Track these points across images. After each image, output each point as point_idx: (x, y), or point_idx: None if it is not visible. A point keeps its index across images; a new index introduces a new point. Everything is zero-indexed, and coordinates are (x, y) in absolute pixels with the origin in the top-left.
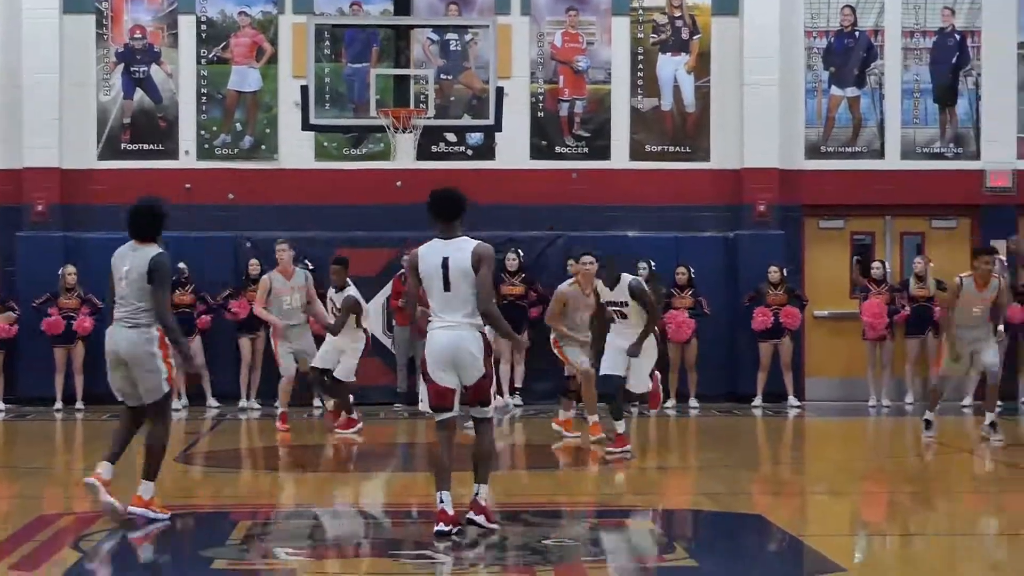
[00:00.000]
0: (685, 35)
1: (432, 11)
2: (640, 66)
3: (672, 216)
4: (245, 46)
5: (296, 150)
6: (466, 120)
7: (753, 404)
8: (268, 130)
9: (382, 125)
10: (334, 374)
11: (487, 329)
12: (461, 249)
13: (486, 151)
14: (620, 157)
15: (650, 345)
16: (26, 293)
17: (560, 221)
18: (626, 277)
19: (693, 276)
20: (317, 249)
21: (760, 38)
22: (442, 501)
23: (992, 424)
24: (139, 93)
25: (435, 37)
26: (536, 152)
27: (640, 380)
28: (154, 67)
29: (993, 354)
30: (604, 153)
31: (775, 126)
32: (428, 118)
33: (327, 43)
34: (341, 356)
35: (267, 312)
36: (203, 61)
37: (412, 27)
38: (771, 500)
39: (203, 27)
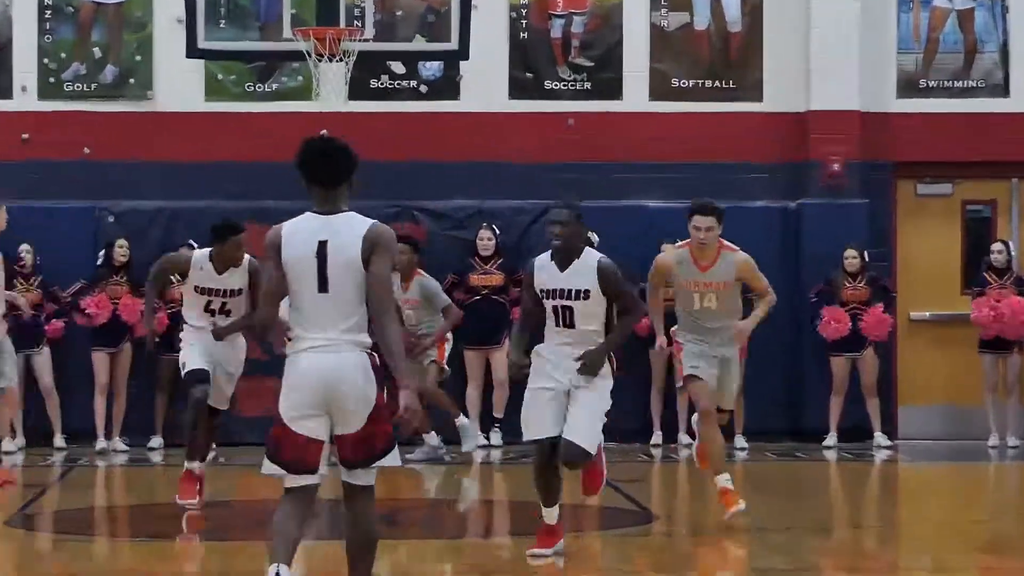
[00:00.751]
0: None
1: None
2: None
3: (709, 179)
4: None
5: (179, 87)
6: (419, 44)
7: (825, 444)
8: (139, 57)
9: (300, 51)
10: None
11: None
12: (347, 230)
13: (447, 87)
14: (636, 96)
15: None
16: None
17: (551, 185)
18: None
19: None
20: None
21: None
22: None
23: None
24: None
25: None
26: (517, 89)
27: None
28: None
29: None
30: (613, 91)
31: (855, 52)
32: (365, 40)
33: None
34: None
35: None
36: None
37: None
38: None
39: None
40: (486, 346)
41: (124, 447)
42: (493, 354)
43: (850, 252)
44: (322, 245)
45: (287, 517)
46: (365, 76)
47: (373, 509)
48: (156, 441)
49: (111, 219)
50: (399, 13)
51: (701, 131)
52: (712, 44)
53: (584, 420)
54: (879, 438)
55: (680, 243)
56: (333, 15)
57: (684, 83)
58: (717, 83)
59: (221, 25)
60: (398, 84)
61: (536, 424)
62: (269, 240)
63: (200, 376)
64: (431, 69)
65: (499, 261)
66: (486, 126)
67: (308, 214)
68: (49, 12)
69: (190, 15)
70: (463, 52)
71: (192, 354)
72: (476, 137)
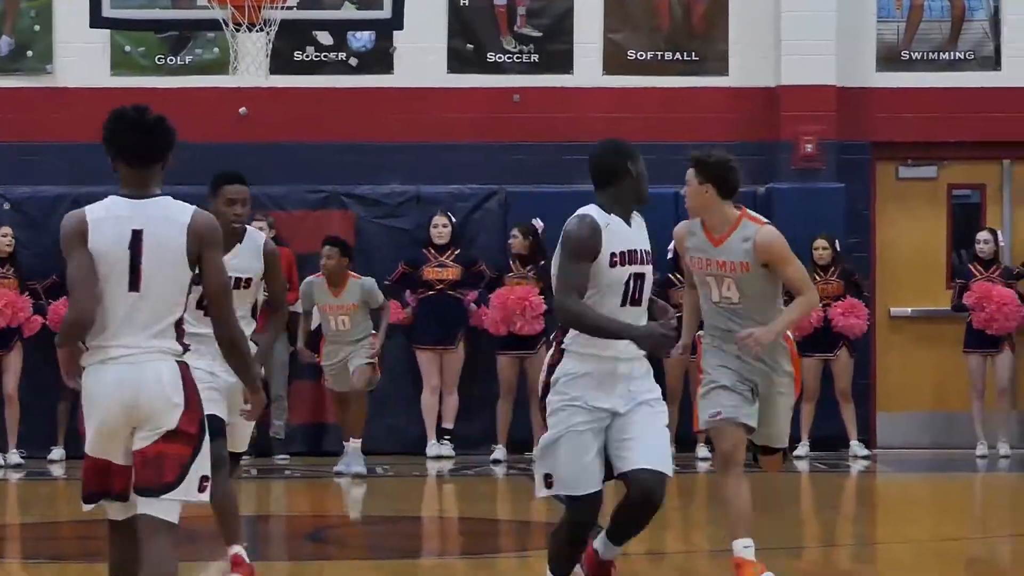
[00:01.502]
0: None
1: None
2: None
3: (669, 161)
4: None
5: (82, 60)
6: (347, 12)
7: (796, 454)
8: (37, 27)
9: (216, 19)
10: None
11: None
12: (165, 217)
13: (379, 60)
14: (588, 69)
15: None
16: None
17: (496, 170)
18: None
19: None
20: None
21: None
22: None
23: None
24: None
25: None
26: (457, 62)
27: None
28: None
29: None
30: (563, 63)
31: (831, 21)
32: (288, 8)
33: None
34: None
35: None
36: None
37: None
38: None
39: None
40: (441, 346)
41: (19, 460)
42: (447, 355)
43: (820, 242)
44: (136, 235)
45: (120, 563)
46: (289, 48)
47: (170, 547)
48: (57, 453)
49: (6, 206)
50: None
51: (661, 108)
52: (673, 12)
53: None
54: (855, 447)
55: None
56: None
57: (642, 55)
58: (678, 55)
59: None
60: (325, 56)
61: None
62: (71, 228)
63: (215, 427)
64: (361, 40)
65: (455, 252)
66: (423, 103)
67: (114, 198)
68: None
69: None
70: (396, 21)
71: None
72: (411, 115)
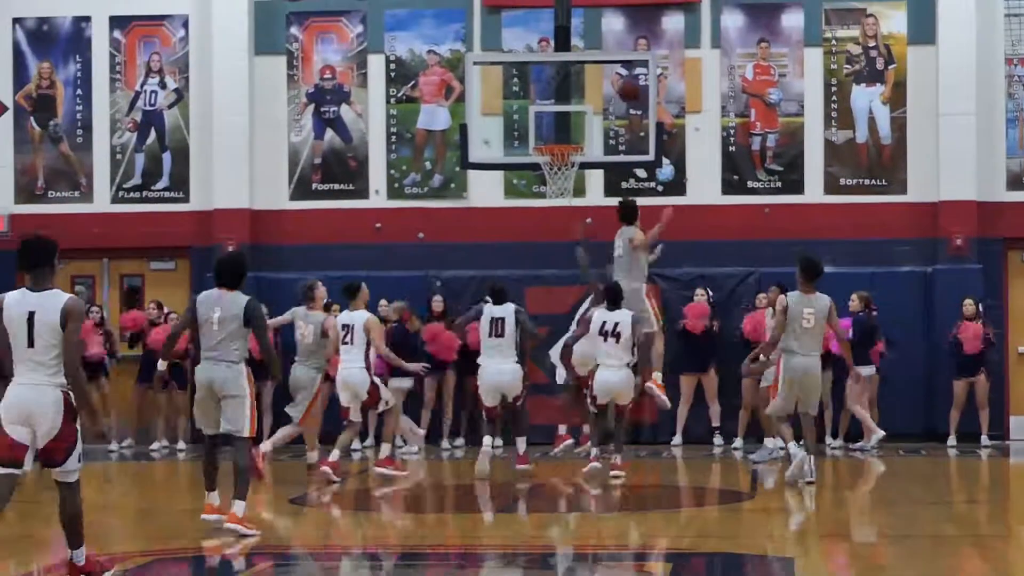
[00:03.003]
0: (880, 65)
1: (620, 44)
2: (833, 98)
3: (868, 250)
4: (434, 84)
5: (486, 188)
6: (624, 156)
7: (948, 444)
8: (457, 168)
9: (540, 162)
10: None
11: None
12: (49, 304)
13: (677, 186)
14: (814, 191)
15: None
16: None
17: (753, 258)
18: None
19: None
20: (513, 287)
21: (957, 66)
22: None
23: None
24: (329, 133)
25: (623, 72)
26: (728, 187)
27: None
28: (344, 107)
29: None
30: (797, 187)
31: (973, 157)
32: (583, 154)
33: (515, 80)
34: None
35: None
36: (392, 100)
37: (571, 63)
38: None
39: (392, 66)
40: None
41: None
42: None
43: (967, 301)
44: (31, 315)
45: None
46: (617, 178)
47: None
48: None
49: (439, 284)
50: (642, 133)
51: (862, 216)
52: (869, 153)
53: None
54: (984, 439)
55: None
56: (564, 134)
57: (849, 181)
58: (873, 181)
59: (515, 145)
60: (641, 184)
61: None
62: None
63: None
64: (665, 173)
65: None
66: (705, 214)
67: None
68: (394, 137)
69: (464, 138)
70: (658, 161)
71: None
72: (698, 222)
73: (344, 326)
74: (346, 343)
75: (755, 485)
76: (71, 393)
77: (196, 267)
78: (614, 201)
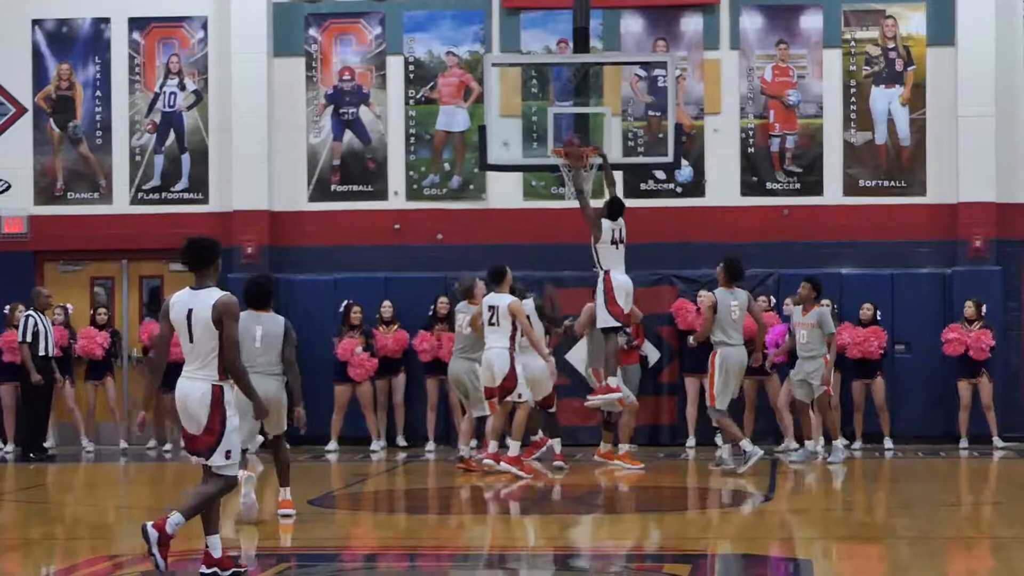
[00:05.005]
0: (899, 66)
1: (639, 46)
2: (853, 99)
3: (887, 252)
4: (453, 86)
5: (504, 190)
6: (643, 158)
7: (961, 446)
8: (476, 170)
9: (558, 164)
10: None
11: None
12: (205, 301)
13: (696, 188)
14: (833, 192)
15: None
16: None
17: (772, 259)
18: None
19: (879, 315)
20: (527, 287)
21: (977, 68)
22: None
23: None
24: (348, 135)
25: (642, 73)
26: (747, 188)
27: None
28: (363, 108)
29: None
30: (816, 189)
31: (992, 158)
32: (602, 156)
33: (534, 81)
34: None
35: None
36: (411, 102)
37: (590, 65)
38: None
39: (411, 68)
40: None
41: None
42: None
43: (968, 303)
44: (190, 312)
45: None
46: (636, 180)
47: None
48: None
49: (456, 284)
50: (661, 135)
51: (881, 217)
52: (888, 154)
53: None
54: (997, 440)
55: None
56: (584, 138)
57: (868, 183)
58: (892, 183)
59: (534, 147)
60: (660, 186)
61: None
62: (163, 306)
63: None
64: (684, 175)
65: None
66: (725, 215)
67: (187, 289)
68: (413, 139)
69: (483, 140)
70: (676, 163)
71: None
72: (717, 224)
73: (490, 307)
74: (492, 324)
75: (773, 486)
76: (223, 388)
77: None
78: (633, 203)
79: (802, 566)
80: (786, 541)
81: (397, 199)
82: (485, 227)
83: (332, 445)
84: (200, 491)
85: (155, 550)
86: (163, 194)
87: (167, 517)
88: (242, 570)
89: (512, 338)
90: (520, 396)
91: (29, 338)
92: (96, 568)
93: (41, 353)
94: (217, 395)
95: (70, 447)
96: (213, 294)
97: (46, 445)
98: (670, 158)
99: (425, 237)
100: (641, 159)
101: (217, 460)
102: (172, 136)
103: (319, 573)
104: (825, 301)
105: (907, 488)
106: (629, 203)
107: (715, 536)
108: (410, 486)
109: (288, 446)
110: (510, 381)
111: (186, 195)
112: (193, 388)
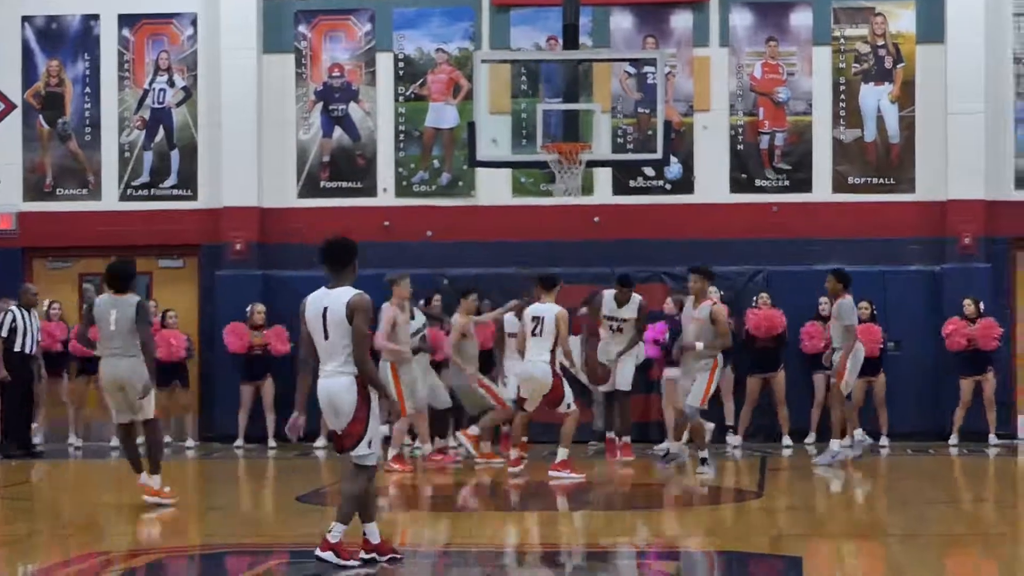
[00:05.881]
0: (888, 64)
1: (628, 42)
2: (842, 96)
3: (876, 249)
4: (442, 83)
5: (494, 186)
6: (632, 154)
7: (950, 443)
8: (465, 167)
9: (548, 161)
10: None
11: None
12: (339, 299)
13: (685, 185)
14: (822, 190)
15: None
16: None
17: (761, 256)
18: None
19: (875, 312)
20: (516, 285)
21: (966, 66)
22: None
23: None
24: (338, 131)
25: (632, 70)
26: (736, 185)
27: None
28: (352, 105)
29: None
30: (806, 186)
31: (981, 156)
32: (590, 153)
33: (523, 78)
34: None
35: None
36: (400, 98)
37: (580, 61)
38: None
39: (400, 64)
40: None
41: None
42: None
43: (967, 301)
44: (325, 310)
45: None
46: (625, 177)
47: (362, 480)
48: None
49: (446, 282)
50: (650, 132)
51: (870, 215)
52: (878, 151)
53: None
54: (992, 438)
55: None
56: (572, 132)
57: (857, 180)
58: (881, 180)
59: (523, 143)
60: (649, 183)
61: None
62: (301, 306)
63: None
64: (673, 172)
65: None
66: (713, 213)
67: (322, 288)
68: (402, 135)
69: (472, 136)
70: (665, 160)
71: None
72: (706, 221)
73: (534, 318)
74: (535, 335)
75: (762, 484)
76: (361, 381)
77: (205, 265)
78: (623, 200)
79: (791, 564)
80: (775, 539)
81: (386, 196)
82: (474, 224)
83: (321, 442)
84: (348, 492)
85: (354, 560)
86: (152, 190)
87: (326, 536)
88: (398, 556)
89: (553, 350)
90: (569, 406)
91: (5, 334)
92: (85, 565)
93: (17, 349)
94: (361, 385)
95: (61, 443)
96: (347, 292)
97: (36, 442)
98: (659, 155)
99: (414, 234)
100: (630, 156)
101: (361, 450)
102: (161, 132)
103: (308, 570)
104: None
105: (901, 486)
106: (618, 200)
107: (702, 533)
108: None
109: (160, 431)
110: (556, 392)
111: (175, 191)
112: (338, 383)
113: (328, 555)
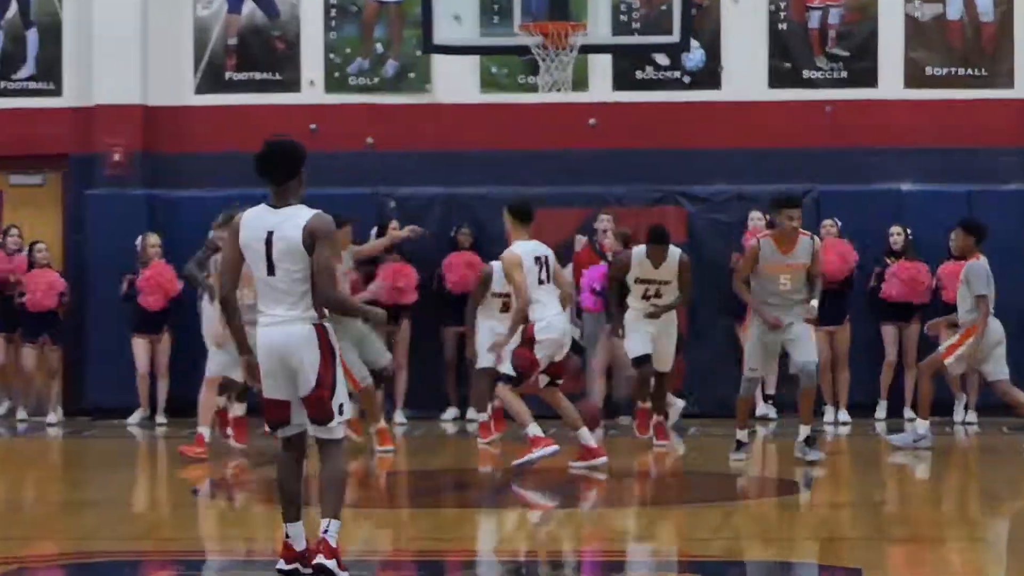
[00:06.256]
0: None
1: None
2: None
3: (961, 162)
4: None
5: (455, 80)
6: (640, 38)
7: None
8: (419, 53)
9: (529, 46)
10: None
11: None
12: (292, 222)
13: (709, 77)
14: (891, 84)
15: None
16: (100, 270)
17: (810, 171)
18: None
19: (911, 238)
20: (487, 209)
21: None
22: (288, 535)
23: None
24: (249, 5)
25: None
26: (776, 78)
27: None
28: None
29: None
30: (869, 79)
31: None
32: (585, 35)
33: None
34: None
35: None
36: None
37: None
38: None
39: None
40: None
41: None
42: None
43: None
44: (269, 234)
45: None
46: (631, 67)
47: (339, 458)
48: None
49: (392, 204)
50: (664, 7)
51: (954, 117)
52: (965, 34)
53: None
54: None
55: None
56: (561, 9)
57: (938, 71)
58: (970, 71)
59: (495, 22)
60: (663, 75)
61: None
62: (232, 226)
63: None
64: (694, 60)
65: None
66: (747, 114)
67: (262, 205)
68: (335, 11)
69: (427, 15)
70: (684, 44)
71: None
72: (736, 125)
73: (537, 259)
74: (543, 282)
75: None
76: (327, 328)
77: (72, 181)
78: (627, 97)
79: None
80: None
81: (313, 91)
82: (430, 128)
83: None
84: (329, 478)
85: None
86: (2, 83)
87: (322, 538)
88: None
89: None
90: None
91: None
92: None
93: None
94: (323, 336)
95: None
96: (302, 212)
97: None
98: (676, 38)
99: (350, 141)
100: (637, 39)
101: (334, 425)
102: (13, 7)
103: None
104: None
105: (994, 474)
106: (621, 96)
107: (733, 536)
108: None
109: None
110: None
111: (32, 85)
112: (291, 334)
113: (332, 563)
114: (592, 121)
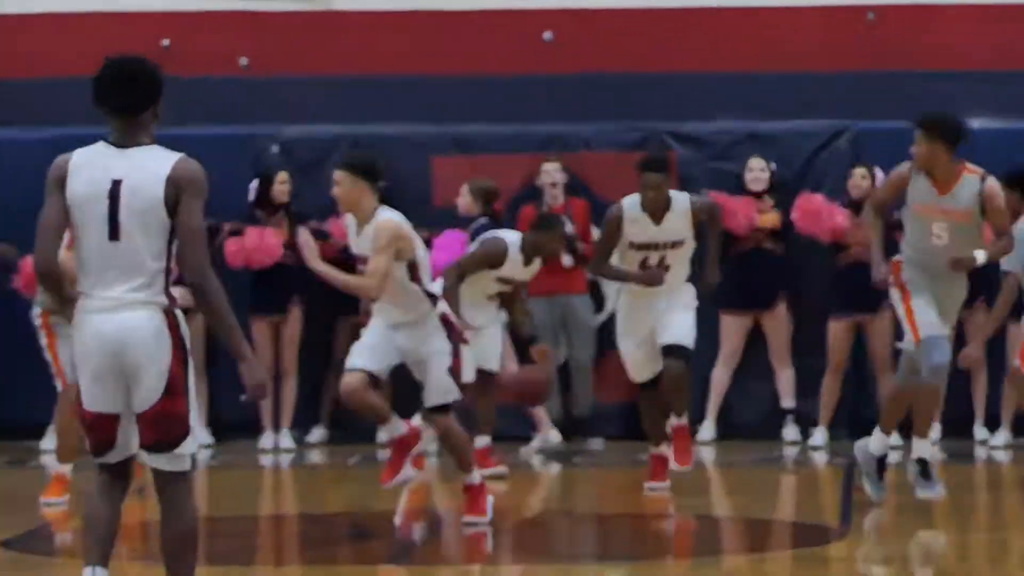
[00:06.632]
0: None
1: None
2: None
3: None
4: None
5: None
6: None
7: None
8: None
9: None
10: None
11: None
12: (147, 168)
13: None
14: None
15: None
16: None
17: (846, 102)
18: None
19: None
20: (406, 154)
21: None
22: None
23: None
24: None
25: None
26: None
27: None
28: None
29: None
30: None
31: None
32: None
33: None
34: None
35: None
36: None
37: None
38: None
39: None
40: (753, 309)
41: (290, 444)
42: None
43: None
44: (115, 184)
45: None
46: None
47: (190, 500)
48: (318, 434)
49: (275, 149)
50: None
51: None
52: None
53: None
54: None
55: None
56: None
57: None
58: None
59: None
60: None
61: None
62: (52, 171)
63: None
64: None
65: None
66: (762, 24)
67: (100, 144)
68: None
69: None
70: None
71: None
72: (745, 39)
73: None
74: None
75: (847, 512)
76: (179, 317)
77: None
78: (592, 2)
79: None
80: None
81: None
82: (326, 45)
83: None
84: (177, 535)
85: None
86: None
87: None
88: None
89: None
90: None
91: None
92: None
93: None
94: (176, 328)
95: None
96: (161, 155)
97: None
98: None
99: (219, 64)
100: None
101: (182, 452)
102: None
103: None
104: None
105: None
106: (581, 2)
107: None
108: None
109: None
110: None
111: None
112: (135, 323)
113: None
114: (547, 34)
